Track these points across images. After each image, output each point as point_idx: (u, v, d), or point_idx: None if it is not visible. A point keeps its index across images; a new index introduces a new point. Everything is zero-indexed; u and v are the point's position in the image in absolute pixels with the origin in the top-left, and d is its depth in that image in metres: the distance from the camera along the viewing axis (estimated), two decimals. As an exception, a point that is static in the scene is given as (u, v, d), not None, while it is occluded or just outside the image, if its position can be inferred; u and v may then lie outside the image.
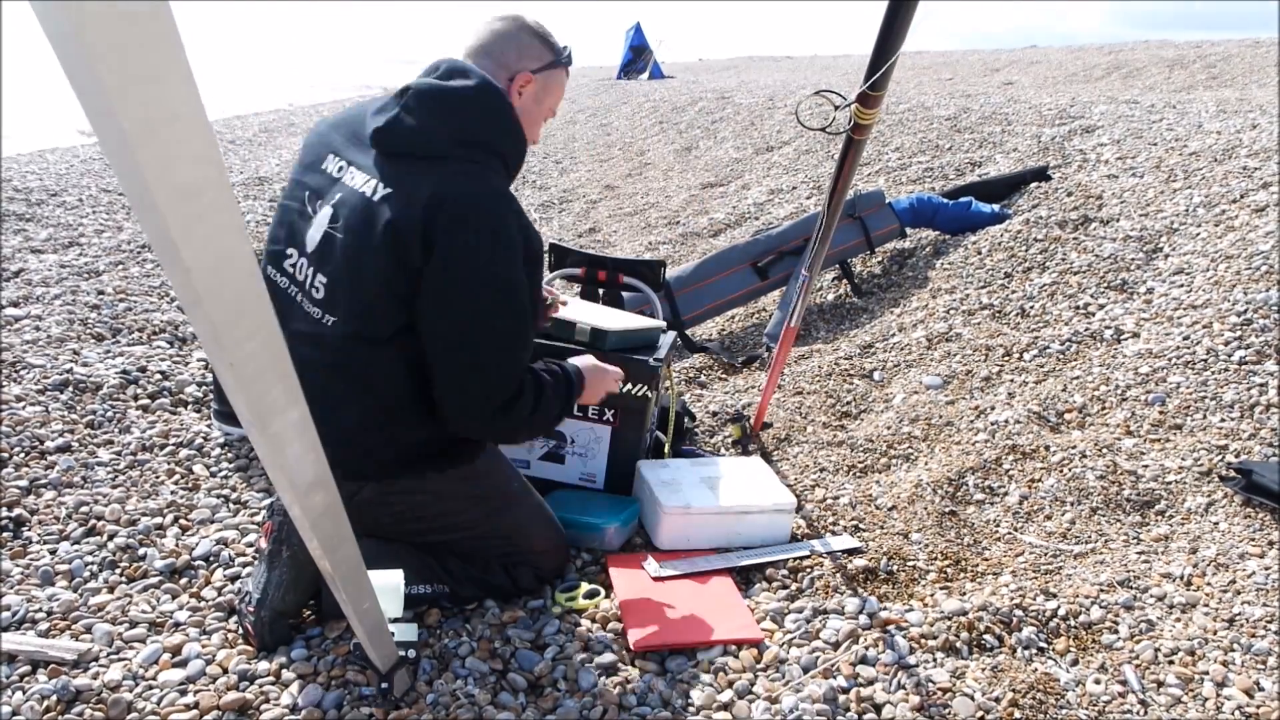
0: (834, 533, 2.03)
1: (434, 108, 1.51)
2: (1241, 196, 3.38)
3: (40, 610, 1.57)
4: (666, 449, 2.33)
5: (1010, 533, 2.04)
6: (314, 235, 1.55)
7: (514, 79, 1.62)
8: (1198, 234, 3.25)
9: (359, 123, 1.60)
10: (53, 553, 1.74)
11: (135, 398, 2.47)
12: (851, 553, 1.93)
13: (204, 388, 2.60)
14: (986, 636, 1.62)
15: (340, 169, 1.58)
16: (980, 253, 3.63)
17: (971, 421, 2.52)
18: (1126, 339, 2.79)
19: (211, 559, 1.79)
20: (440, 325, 1.49)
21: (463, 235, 1.44)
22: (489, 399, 1.52)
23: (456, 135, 1.51)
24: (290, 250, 1.60)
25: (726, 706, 1.46)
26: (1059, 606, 1.68)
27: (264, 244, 1.70)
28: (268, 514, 1.66)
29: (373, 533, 1.63)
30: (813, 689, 1.49)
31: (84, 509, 1.88)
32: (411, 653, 1.44)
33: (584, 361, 1.80)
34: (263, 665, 1.49)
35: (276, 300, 1.50)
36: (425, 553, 1.68)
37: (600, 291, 2.89)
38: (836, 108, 1.70)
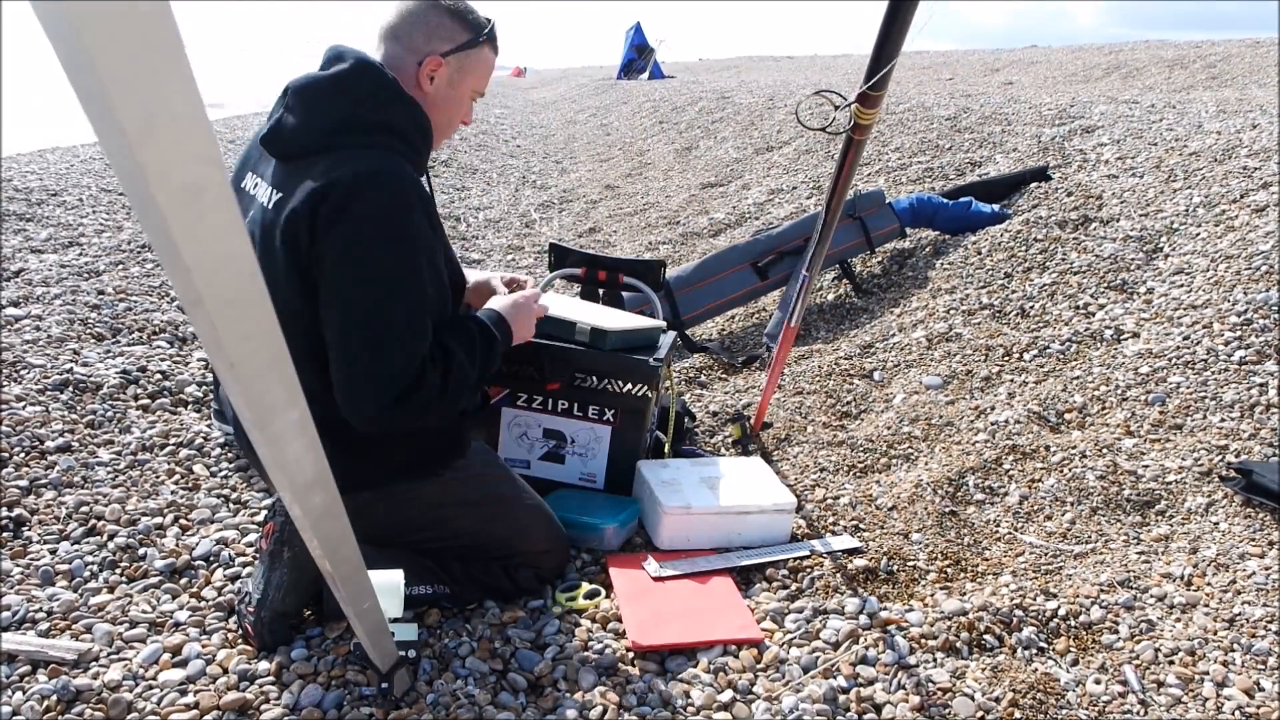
0: (834, 533, 2.03)
1: (312, 101, 1.45)
2: (1241, 196, 3.38)
3: (40, 610, 1.57)
4: (666, 449, 2.33)
5: (1010, 533, 2.04)
6: None
7: (422, 64, 1.51)
8: (1198, 234, 3.25)
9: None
10: (53, 553, 1.74)
11: (135, 398, 2.47)
12: (851, 553, 1.93)
13: (204, 388, 2.60)
14: (986, 636, 1.62)
15: (254, 185, 1.54)
16: (980, 253, 3.63)
17: (971, 421, 2.52)
18: (1126, 339, 2.79)
19: (211, 559, 1.79)
20: (329, 321, 1.41)
21: (342, 225, 1.36)
22: (381, 394, 1.40)
23: (337, 124, 1.43)
24: None
25: (726, 706, 1.46)
26: (1059, 606, 1.68)
27: None
28: (269, 514, 1.67)
29: (371, 540, 1.62)
30: (813, 689, 1.49)
31: (84, 509, 1.88)
32: (411, 653, 1.44)
33: (499, 303, 1.70)
34: (263, 665, 1.49)
35: None
36: (425, 554, 1.68)
37: (600, 291, 2.89)
38: (836, 108, 1.70)
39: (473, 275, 1.92)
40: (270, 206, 1.44)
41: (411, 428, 1.54)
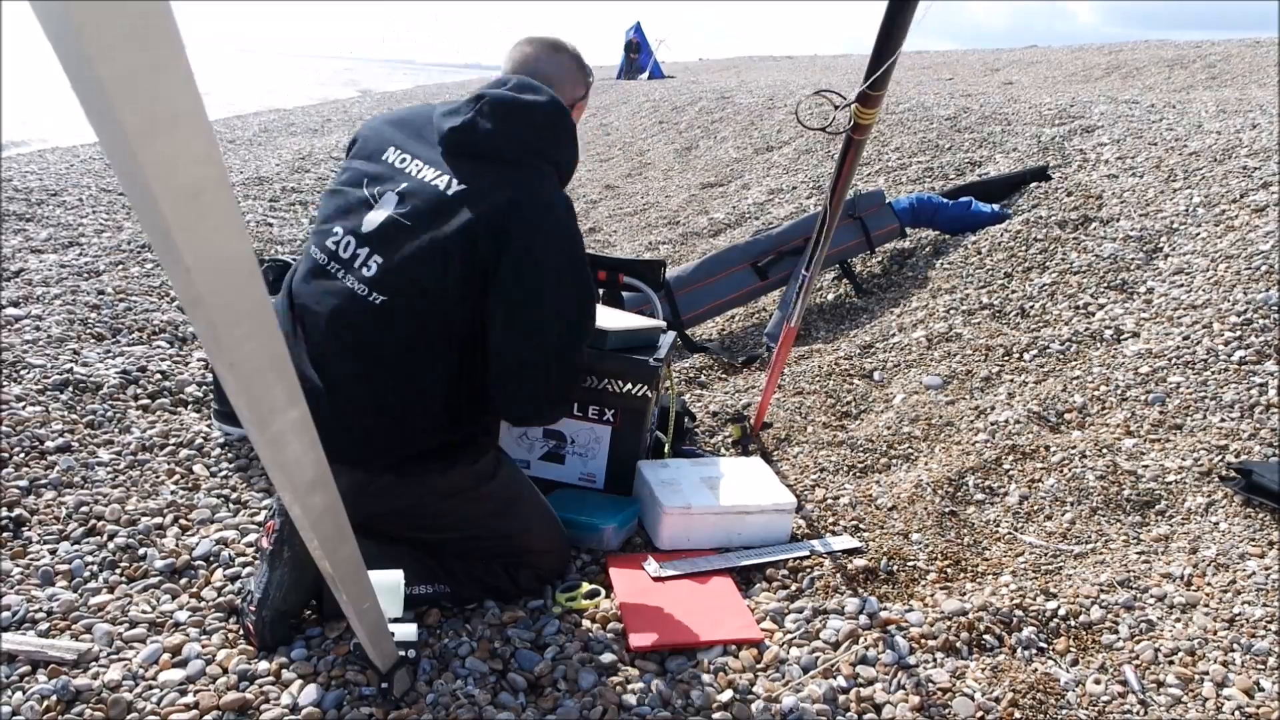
0: (834, 533, 2.03)
1: (509, 116, 1.61)
2: (1241, 196, 3.38)
3: (40, 610, 1.57)
4: (666, 449, 2.33)
5: (1010, 533, 2.04)
6: (374, 218, 1.59)
7: (573, 106, 1.77)
8: (1198, 234, 3.25)
9: (422, 122, 1.69)
10: (53, 553, 1.74)
11: (135, 398, 2.47)
12: (851, 553, 1.93)
13: (204, 388, 2.60)
14: (986, 636, 1.62)
15: (403, 160, 1.65)
16: (980, 253, 3.63)
17: (971, 421, 2.52)
18: (1126, 339, 2.79)
19: (211, 559, 1.79)
20: (519, 324, 1.55)
21: (539, 238, 1.53)
22: (552, 393, 1.64)
23: (528, 144, 1.62)
24: (337, 229, 1.63)
25: (726, 706, 1.46)
26: (1059, 606, 1.68)
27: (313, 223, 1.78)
28: (270, 513, 1.67)
29: (374, 530, 1.63)
30: (813, 689, 1.49)
31: (84, 509, 1.88)
32: (411, 653, 1.44)
33: None
34: (263, 665, 1.49)
35: (314, 274, 1.61)
36: (426, 553, 1.68)
37: (600, 291, 2.89)
38: (836, 108, 1.70)
39: None
40: (449, 192, 1.56)
41: (545, 423, 1.92)
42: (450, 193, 1.56)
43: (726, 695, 1.48)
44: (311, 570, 1.54)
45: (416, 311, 1.55)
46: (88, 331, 2.86)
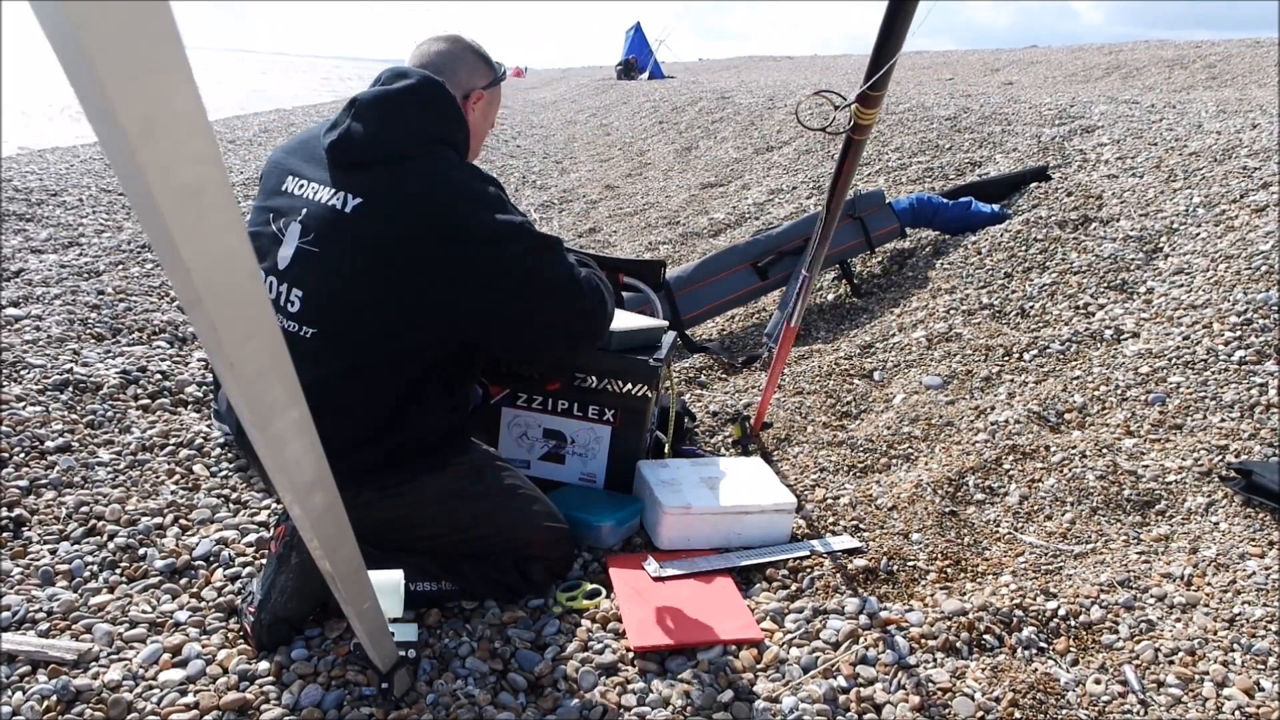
0: (834, 533, 2.03)
1: (383, 112, 1.56)
2: (1241, 196, 3.38)
3: (40, 610, 1.57)
4: (666, 449, 2.33)
5: (1010, 533, 2.04)
6: (285, 254, 1.57)
7: (469, 96, 1.71)
8: (1198, 234, 3.25)
9: (314, 143, 1.64)
10: (53, 553, 1.74)
11: (135, 398, 2.47)
12: (851, 553, 1.93)
13: (204, 388, 2.60)
14: (986, 636, 1.62)
15: (301, 187, 1.60)
16: (980, 253, 3.63)
17: (971, 421, 2.52)
18: (1126, 339, 2.79)
19: (211, 559, 1.79)
20: (504, 294, 1.55)
21: (458, 217, 1.50)
22: (594, 327, 1.72)
23: (411, 134, 1.55)
24: (259, 273, 1.60)
25: (726, 706, 1.46)
26: (1059, 606, 1.68)
27: None
28: (281, 516, 1.66)
29: (375, 541, 1.62)
30: (813, 689, 1.49)
31: (84, 509, 1.88)
32: (411, 653, 1.44)
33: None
34: (263, 665, 1.49)
35: None
36: (432, 555, 1.68)
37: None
38: (836, 108, 1.70)
39: None
40: (346, 209, 1.51)
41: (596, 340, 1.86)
42: (349, 210, 1.51)
43: (726, 695, 1.48)
44: (316, 580, 1.54)
45: (351, 335, 1.53)
46: (88, 331, 2.86)
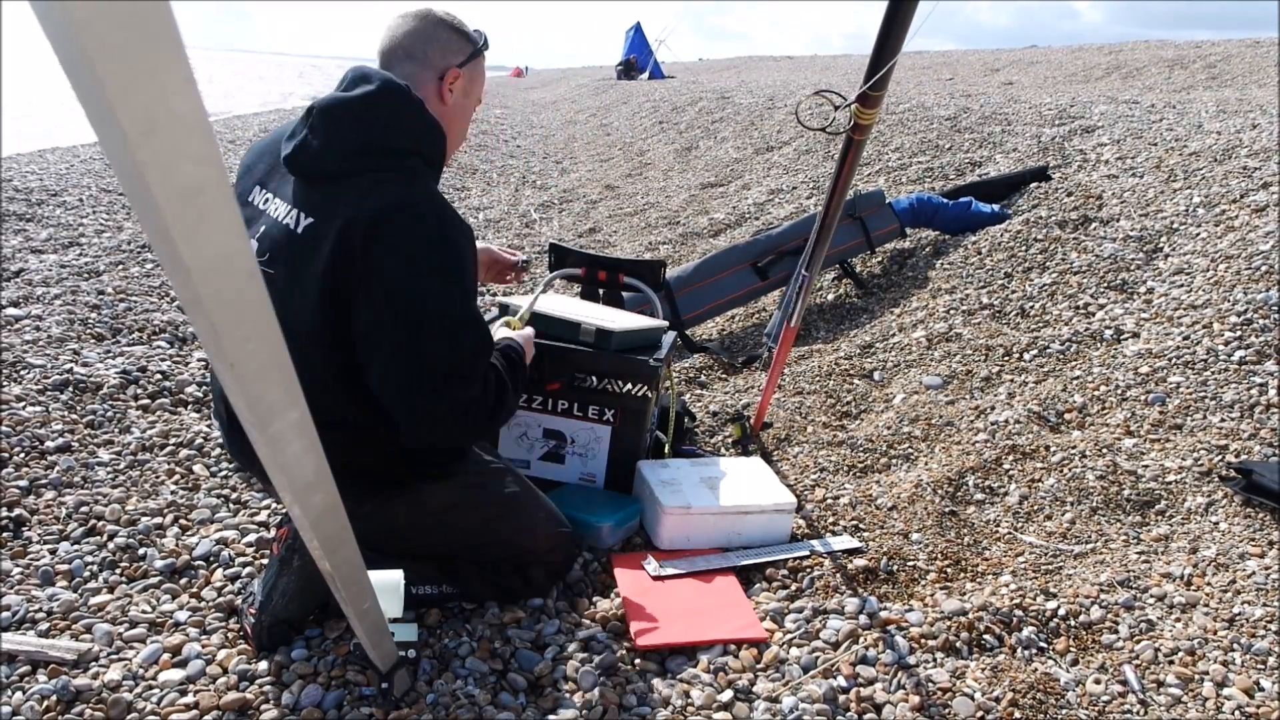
0: (834, 533, 2.03)
1: (336, 122, 1.45)
2: (1241, 196, 3.38)
3: (40, 610, 1.57)
4: (666, 449, 2.33)
5: (1010, 533, 2.04)
6: None
7: (444, 77, 1.56)
8: (1198, 234, 3.25)
9: (278, 148, 1.55)
10: (53, 553, 1.74)
11: (135, 398, 2.47)
12: (851, 553, 1.93)
13: (204, 388, 2.60)
14: (986, 636, 1.62)
15: (265, 201, 1.54)
16: (980, 253, 3.63)
17: (971, 421, 2.52)
18: (1126, 339, 2.79)
19: (211, 559, 1.79)
20: (393, 351, 1.41)
21: (382, 257, 1.38)
22: (460, 419, 1.46)
23: (363, 146, 1.45)
24: None
25: (726, 706, 1.46)
26: (1059, 606, 1.68)
27: None
28: (285, 518, 1.66)
29: (375, 546, 1.59)
30: (813, 689, 1.49)
31: (84, 509, 1.88)
32: (411, 653, 1.44)
33: (517, 334, 1.78)
34: (263, 665, 1.49)
35: None
36: (433, 559, 1.68)
37: (600, 292, 2.89)
38: (836, 108, 1.70)
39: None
40: (299, 229, 1.44)
41: (469, 443, 1.66)
42: (300, 230, 1.44)
43: (726, 695, 1.48)
44: (317, 583, 1.53)
45: (299, 363, 1.47)
46: (88, 331, 2.86)
